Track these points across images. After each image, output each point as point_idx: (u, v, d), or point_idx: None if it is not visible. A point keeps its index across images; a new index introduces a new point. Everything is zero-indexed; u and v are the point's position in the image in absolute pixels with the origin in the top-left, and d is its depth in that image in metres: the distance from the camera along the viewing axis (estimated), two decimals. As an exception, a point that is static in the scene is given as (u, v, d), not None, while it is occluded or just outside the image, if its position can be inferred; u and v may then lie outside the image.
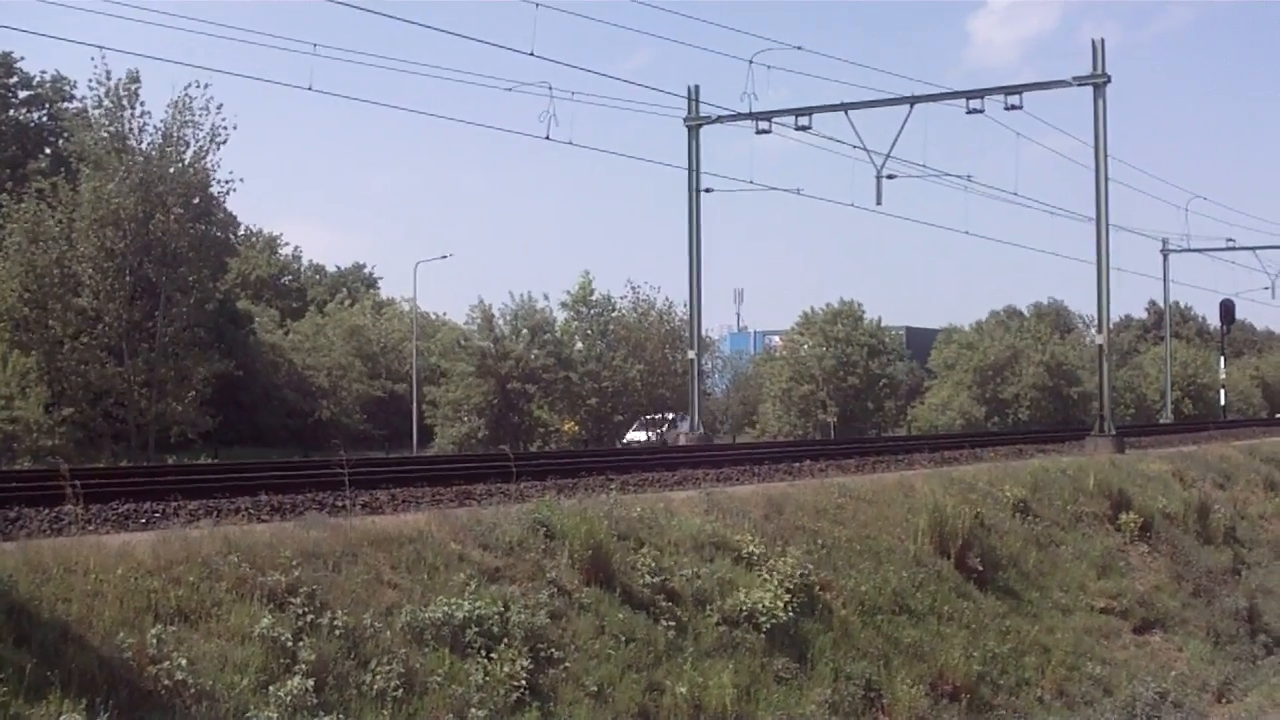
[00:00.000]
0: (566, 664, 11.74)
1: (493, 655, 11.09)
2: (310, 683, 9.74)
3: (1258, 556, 28.23)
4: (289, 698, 9.56)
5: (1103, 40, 35.52)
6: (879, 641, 15.43)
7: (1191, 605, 23.19)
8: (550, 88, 29.77)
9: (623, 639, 12.44)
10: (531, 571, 12.61)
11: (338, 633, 10.31)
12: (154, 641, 9.30)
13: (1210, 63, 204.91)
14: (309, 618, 10.28)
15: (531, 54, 29.97)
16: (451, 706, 10.47)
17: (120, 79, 47.10)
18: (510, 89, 32.12)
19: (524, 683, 11.06)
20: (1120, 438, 34.40)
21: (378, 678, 10.25)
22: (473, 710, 10.52)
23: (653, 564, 13.49)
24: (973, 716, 15.53)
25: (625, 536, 13.81)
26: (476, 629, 11.21)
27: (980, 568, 18.77)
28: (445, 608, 11.18)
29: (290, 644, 9.96)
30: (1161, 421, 64.28)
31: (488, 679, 10.86)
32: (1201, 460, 32.05)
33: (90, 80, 46.97)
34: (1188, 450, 32.85)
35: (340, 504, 13.18)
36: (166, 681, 9.10)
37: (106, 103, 47.76)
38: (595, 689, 11.69)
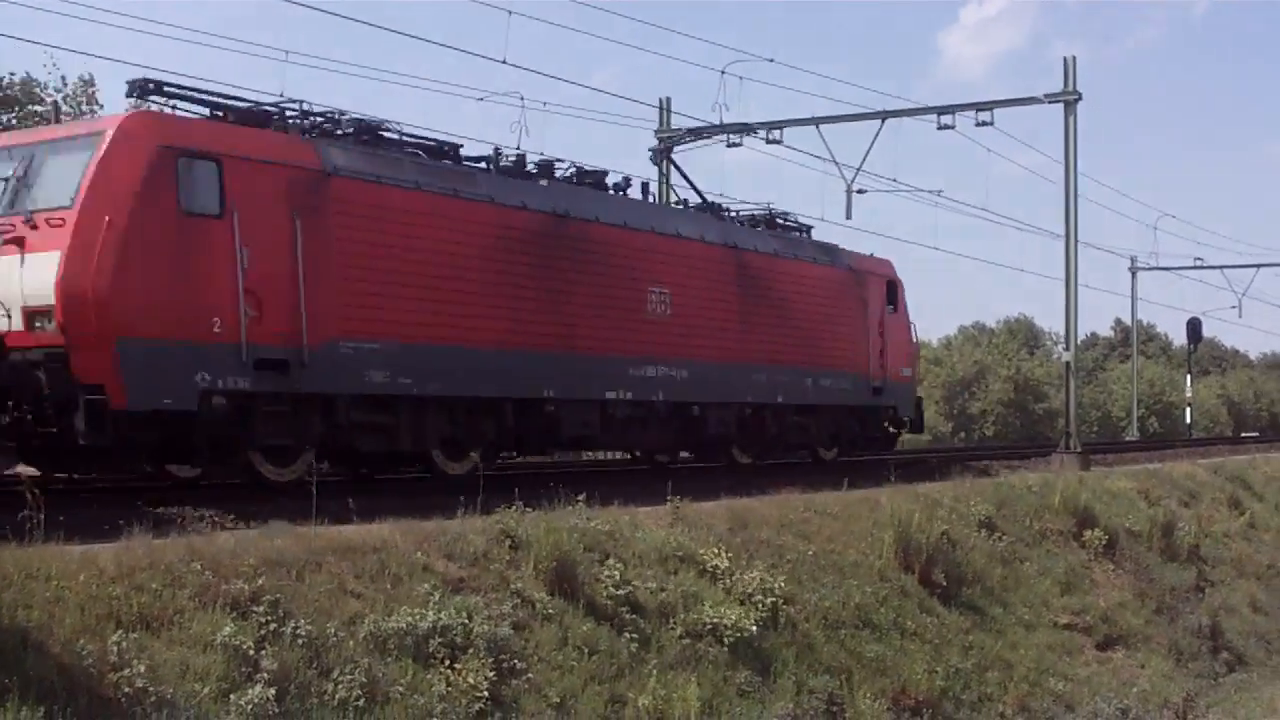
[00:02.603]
0: (529, 675, 11.77)
1: (456, 665, 11.12)
2: (272, 692, 9.73)
3: (1221, 574, 28.43)
4: (250, 706, 9.55)
5: (1074, 58, 35.73)
6: (842, 656, 15.53)
7: (1154, 622, 23.37)
8: (522, 97, 29.76)
9: (586, 650, 12.49)
10: (495, 582, 12.66)
11: (300, 641, 10.32)
12: (115, 649, 9.28)
13: (1179, 82, 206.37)
14: (271, 626, 10.28)
15: (504, 62, 30.06)
16: (414, 716, 10.49)
17: (75, 81, 46.83)
18: (482, 98, 32.27)
19: (486, 693, 11.08)
20: (1086, 455, 34.62)
21: (340, 687, 10.25)
22: (435, 720, 10.53)
23: (617, 576, 13.52)
24: (935, 732, 15.63)
25: (590, 548, 13.87)
26: (440, 639, 11.24)
27: (945, 583, 18.89)
28: (409, 617, 11.21)
29: (252, 652, 9.97)
30: (1127, 439, 64.64)
31: (450, 689, 10.90)
32: (1167, 478, 32.26)
33: (49, 82, 46.63)
34: (1153, 468, 33.06)
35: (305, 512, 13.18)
36: (127, 689, 9.10)
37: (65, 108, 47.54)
38: (558, 700, 11.73)
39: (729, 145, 39.72)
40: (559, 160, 23.74)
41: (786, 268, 28.32)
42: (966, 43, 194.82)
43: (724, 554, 15.31)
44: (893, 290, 32.66)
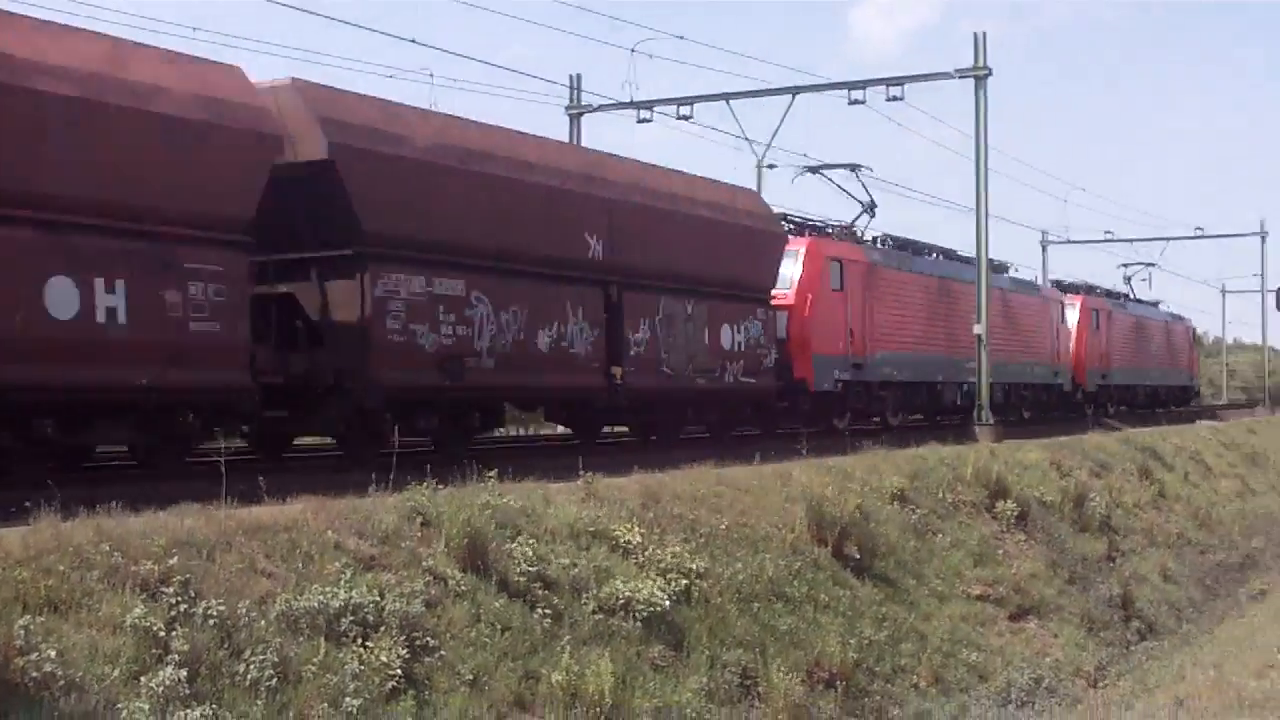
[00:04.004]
0: (442, 652, 11.91)
1: (368, 644, 11.24)
2: (183, 673, 9.80)
3: (1132, 544, 29.14)
4: (160, 689, 9.61)
5: (984, 34, 36.51)
6: (755, 629, 15.79)
7: (1067, 592, 23.93)
8: (431, 75, 29.95)
9: (499, 627, 12.67)
10: (407, 560, 12.81)
11: (211, 622, 10.40)
12: (22, 633, 9.28)
13: (1089, 57, 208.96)
14: (182, 607, 10.35)
15: (413, 41, 30.22)
16: (326, 696, 10.58)
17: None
18: (391, 76, 32.45)
19: (399, 671, 11.20)
20: (999, 427, 35.21)
21: (251, 667, 10.33)
22: (347, 699, 10.62)
23: (530, 552, 13.72)
24: (849, 703, 15.91)
25: (503, 525, 14.05)
26: (352, 617, 11.35)
27: (858, 556, 19.22)
28: (320, 596, 11.32)
29: (162, 634, 10.02)
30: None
31: (363, 667, 11.00)
32: (1078, 449, 32.95)
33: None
34: (1065, 439, 33.67)
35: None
36: (34, 674, 9.11)
37: None
38: (471, 677, 11.88)
39: (639, 121, 40.37)
40: (949, 249, 41.77)
41: (1016, 299, 45.63)
42: (878, 19, 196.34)
43: (636, 529, 15.55)
44: (1061, 310, 50.18)
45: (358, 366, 19.17)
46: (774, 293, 30.03)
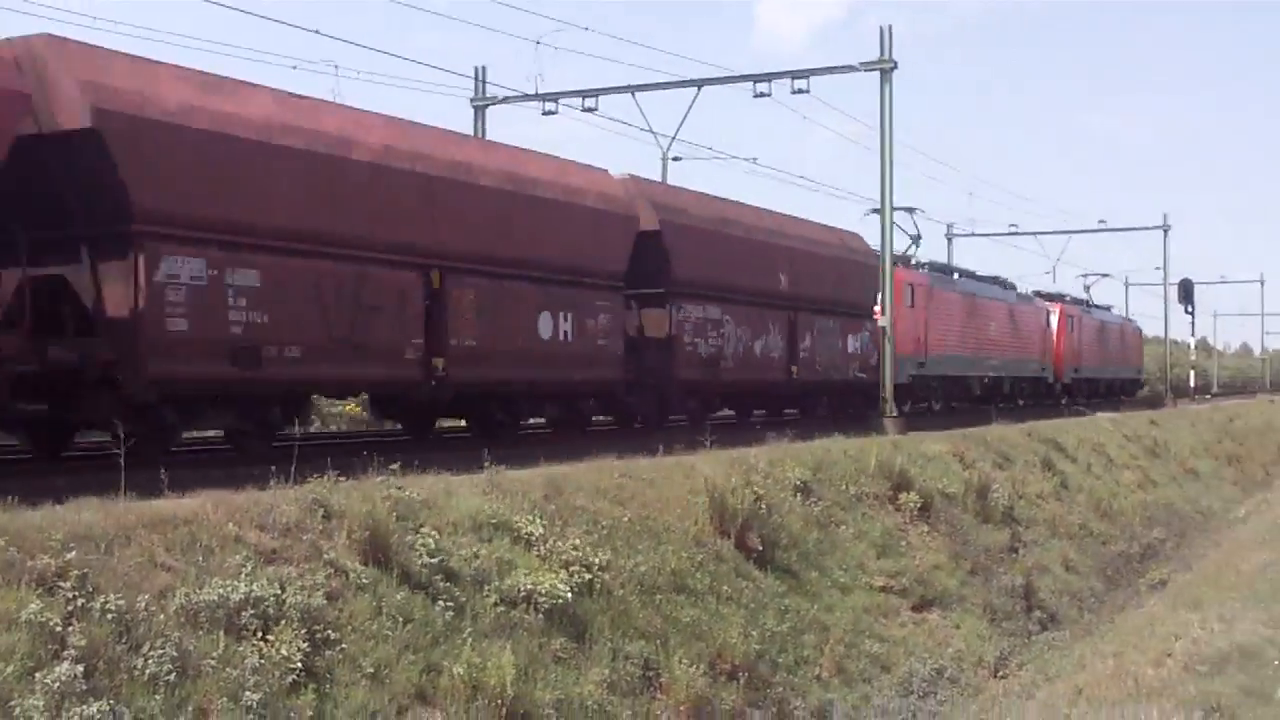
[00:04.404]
0: (343, 645, 12.01)
1: (268, 637, 11.32)
2: (80, 669, 9.82)
3: (1034, 535, 29.68)
4: (57, 685, 9.63)
5: (890, 27, 36.88)
6: (658, 621, 16.04)
7: (969, 583, 24.36)
8: (336, 67, 29.96)
9: (401, 620, 12.79)
10: (309, 553, 12.90)
11: (109, 617, 10.42)
12: (-86, 630, 9.34)
13: (995, 53, 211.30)
14: (79, 602, 10.36)
15: (317, 32, 30.12)
16: (226, 690, 10.65)
17: None
18: (295, 67, 32.36)
19: (300, 665, 11.29)
20: (903, 419, 35.67)
21: (150, 662, 10.37)
22: (247, 693, 10.70)
23: (432, 544, 13.83)
24: (751, 694, 16.18)
25: (404, 517, 14.15)
26: (252, 611, 11.44)
27: (760, 548, 19.50)
28: (220, 590, 11.39)
29: (59, 629, 10.05)
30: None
31: (263, 661, 11.08)
32: (981, 441, 33.42)
33: None
34: (968, 432, 34.16)
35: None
36: (-73, 671, 9.15)
37: None
38: (372, 670, 11.99)
39: (544, 113, 40.50)
40: (969, 270, 54.38)
41: (1018, 309, 55.90)
42: (784, 12, 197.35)
43: (539, 521, 15.71)
44: (1046, 316, 60.27)
45: (128, 357, 17.84)
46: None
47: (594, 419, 30.80)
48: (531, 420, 29.49)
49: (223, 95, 19.73)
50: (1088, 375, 67.63)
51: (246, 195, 19.43)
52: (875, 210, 40.20)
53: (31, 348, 17.33)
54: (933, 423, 37.29)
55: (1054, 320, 61.21)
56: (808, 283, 35.97)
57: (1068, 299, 67.09)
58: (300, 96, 21.93)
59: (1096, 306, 75.24)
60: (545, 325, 25.47)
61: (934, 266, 49.98)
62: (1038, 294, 63.47)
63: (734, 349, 31.61)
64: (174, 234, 18.20)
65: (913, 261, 46.73)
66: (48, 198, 17.71)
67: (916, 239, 48.17)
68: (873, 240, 40.88)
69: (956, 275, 51.90)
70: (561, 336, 25.81)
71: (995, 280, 55.93)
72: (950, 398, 48.09)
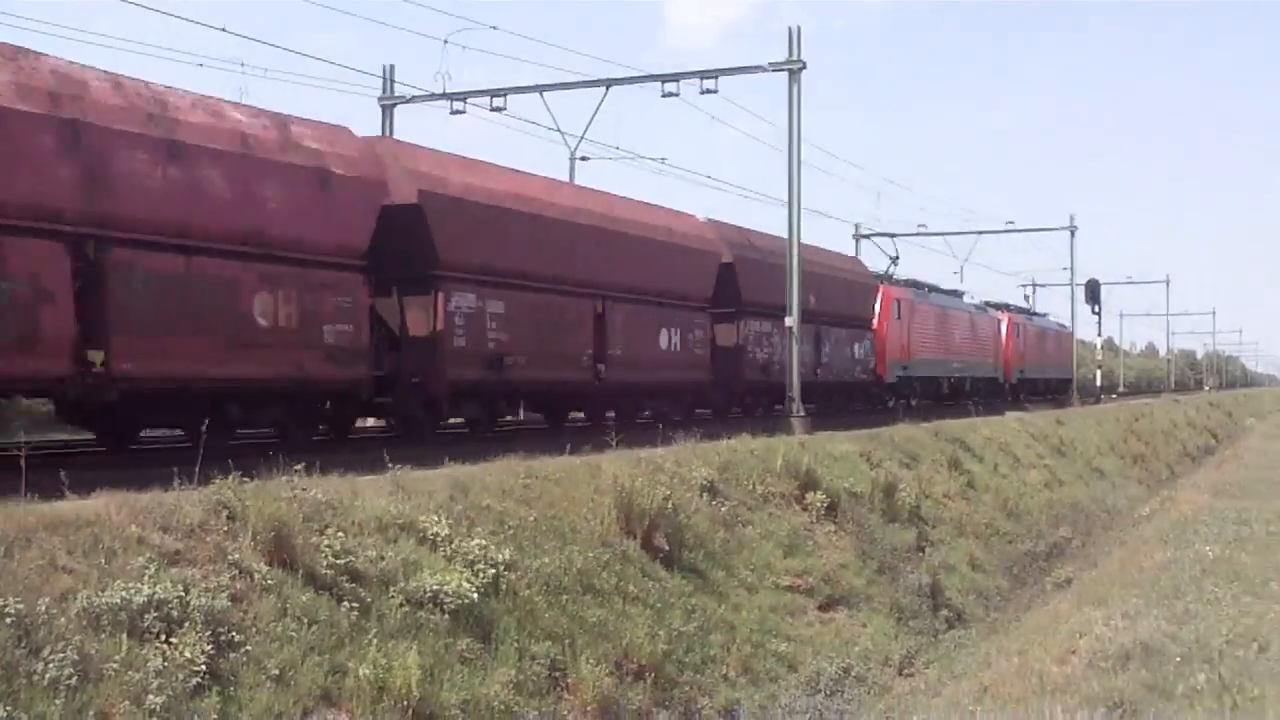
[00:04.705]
0: (248, 647, 12.04)
1: (172, 640, 11.33)
2: (-22, 673, 9.82)
3: (941, 534, 30.09)
4: (-47, 690, 9.60)
5: (798, 28, 37.16)
6: (564, 622, 16.18)
7: (876, 582, 24.68)
8: (243, 64, 30.00)
9: (306, 621, 12.85)
10: (213, 554, 12.92)
11: (8, 621, 10.42)
12: None
13: (903, 51, 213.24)
14: (-24, 606, 10.37)
15: (224, 30, 30.08)
16: (128, 694, 10.65)
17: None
18: (201, 65, 32.29)
19: (204, 667, 11.30)
20: (809, 419, 35.99)
21: (50, 666, 10.34)
22: (150, 697, 10.69)
23: (337, 545, 13.91)
24: (658, 694, 16.37)
25: (310, 518, 14.22)
26: (155, 613, 11.44)
27: (667, 547, 19.73)
28: (123, 592, 11.40)
29: (-44, 633, 10.04)
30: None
31: (167, 664, 11.08)
32: (888, 440, 33.80)
33: None
34: (875, 431, 34.53)
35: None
36: None
37: None
38: (277, 672, 12.03)
39: (452, 112, 40.51)
40: (935, 284, 63.69)
41: (978, 319, 66.21)
42: (694, 11, 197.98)
43: (445, 521, 15.82)
44: (998, 324, 70.43)
45: (431, 366, 26.06)
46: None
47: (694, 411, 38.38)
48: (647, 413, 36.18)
49: (478, 174, 27.96)
50: (1030, 375, 77.84)
51: (495, 247, 27.35)
52: (863, 235, 58.38)
53: (377, 359, 24.67)
54: (839, 423, 37.62)
55: (1004, 328, 71.70)
56: (829, 301, 45.04)
57: (1012, 308, 77.86)
58: (516, 171, 30.05)
59: (1036, 314, 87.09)
60: (663, 339, 34.60)
61: (910, 283, 59.51)
62: (988, 304, 73.35)
63: (780, 355, 39.73)
64: (458, 276, 26.34)
65: (893, 279, 57.04)
66: (384, 253, 24.32)
67: (895, 259, 60.16)
68: (874, 255, 52.90)
69: (929, 290, 61.39)
70: (671, 347, 35.15)
71: (955, 293, 66.92)
72: (925, 395, 57.96)
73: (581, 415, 35.22)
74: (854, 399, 49.82)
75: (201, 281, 20.72)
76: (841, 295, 47.01)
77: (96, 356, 18.98)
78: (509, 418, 34.23)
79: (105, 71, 20.15)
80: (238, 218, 21.48)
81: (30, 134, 18.22)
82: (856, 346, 48.97)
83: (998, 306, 74.41)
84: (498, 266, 27.68)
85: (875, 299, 51.81)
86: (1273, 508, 26.21)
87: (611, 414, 34.34)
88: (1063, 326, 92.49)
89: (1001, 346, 70.72)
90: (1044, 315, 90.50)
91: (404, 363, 25.88)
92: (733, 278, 38.49)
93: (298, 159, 22.86)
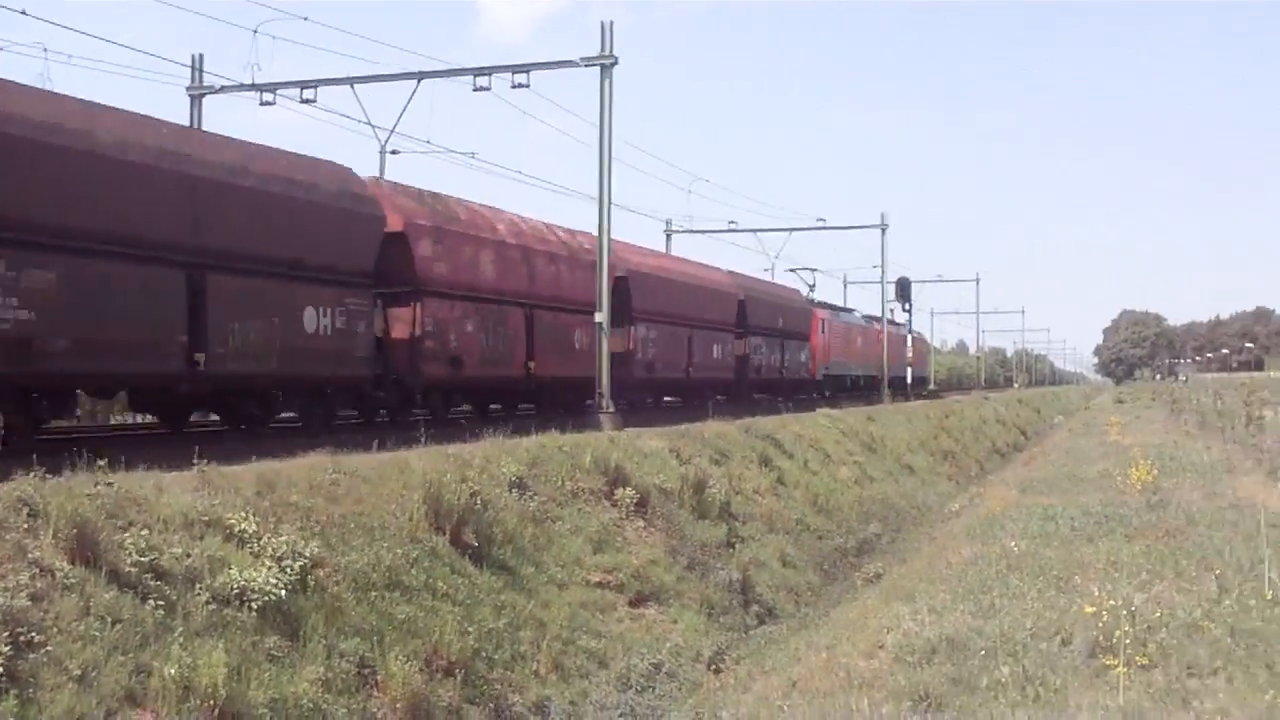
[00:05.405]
0: (49, 648, 12.04)
1: (-32, 642, 11.31)
2: None
3: (751, 530, 30.68)
4: None
5: (611, 23, 37.59)
6: (373, 618, 16.42)
7: (687, 578, 25.15)
8: (45, 50, 29.45)
9: (109, 620, 12.87)
10: (12, 552, 12.88)
11: None
12: None
13: (715, 49, 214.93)
14: None
15: (24, 13, 29.50)
16: (-80, 698, 10.63)
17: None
18: (1, 48, 31.69)
19: (1, 669, 11.31)
20: (619, 415, 36.40)
21: None
22: (-56, 701, 10.70)
23: (142, 543, 13.94)
24: (468, 691, 16.68)
25: (114, 515, 14.23)
26: (-49, 614, 11.43)
27: (476, 544, 20.04)
28: (-84, 592, 11.38)
29: None
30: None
31: (-38, 666, 11.07)
32: (698, 437, 34.29)
33: None
34: (685, 428, 34.96)
35: None
36: None
37: None
38: (79, 673, 12.04)
39: (262, 104, 40.29)
40: (840, 305, 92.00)
41: (866, 329, 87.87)
42: (507, 4, 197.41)
43: (252, 517, 15.92)
44: (877, 333, 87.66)
45: (410, 365, 32.62)
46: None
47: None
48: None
49: (448, 205, 35.13)
50: (896, 374, 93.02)
51: (466, 268, 34.54)
52: (790, 269, 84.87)
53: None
54: (650, 419, 38.15)
55: (882, 337, 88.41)
56: (788, 322, 67.67)
57: (891, 319, 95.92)
58: (479, 204, 37.53)
59: (894, 323, 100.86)
60: (579, 339, 40.93)
61: (827, 306, 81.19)
62: (866, 316, 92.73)
63: (769, 360, 64.65)
64: (435, 291, 32.99)
65: (814, 303, 76.88)
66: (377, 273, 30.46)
67: (813, 287, 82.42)
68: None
69: (839, 311, 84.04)
70: (799, 359, 69.78)
71: (849, 309, 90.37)
72: (839, 389, 78.00)
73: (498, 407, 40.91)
74: (801, 391, 70.01)
75: (558, 325, 40.13)
76: (793, 319, 68.89)
77: (532, 366, 38.45)
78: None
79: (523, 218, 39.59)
80: (573, 292, 40.19)
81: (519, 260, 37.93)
82: (802, 353, 70.79)
83: (871, 318, 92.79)
84: (462, 282, 34.25)
85: (810, 319, 72.71)
86: (1077, 503, 27.15)
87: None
88: (920, 335, 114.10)
89: (879, 350, 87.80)
90: (906, 324, 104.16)
91: (388, 363, 31.63)
92: (627, 292, 45.41)
93: (577, 255, 41.48)
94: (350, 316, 28.93)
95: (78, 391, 24.68)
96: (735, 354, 57.93)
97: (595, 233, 38.37)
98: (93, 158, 22.14)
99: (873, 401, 73.59)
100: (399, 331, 32.22)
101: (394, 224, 31.51)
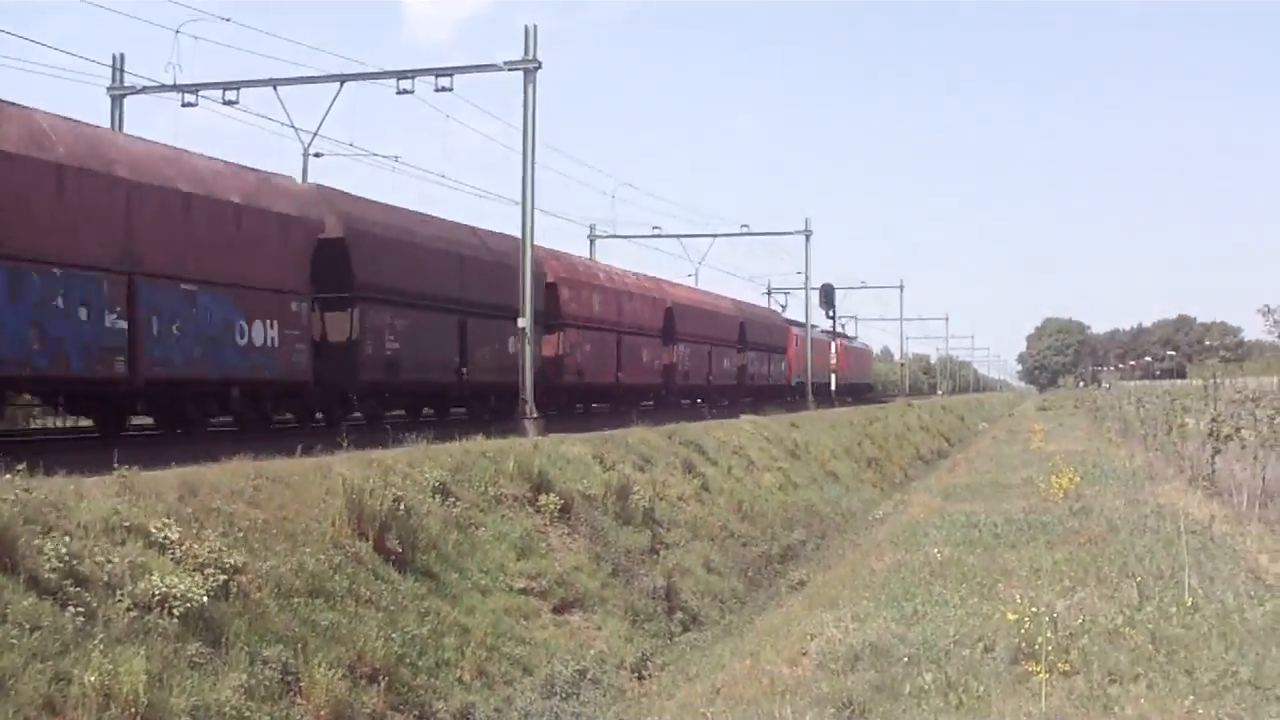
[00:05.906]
0: (-36, 656, 12.02)
1: (-123, 652, 11.31)
2: None
3: (676, 537, 30.84)
4: None
5: (535, 26, 37.90)
6: (296, 625, 16.48)
7: (611, 585, 25.29)
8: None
9: (28, 627, 12.85)
10: (-73, 558, 12.84)
11: None
12: None
13: (641, 53, 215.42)
14: None
15: (-62, 10, 29.39)
16: None
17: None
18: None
19: (-86, 679, 11.30)
20: (543, 420, 36.50)
21: None
22: None
23: (62, 549, 13.91)
24: (392, 698, 16.74)
25: (32, 520, 14.20)
26: None
27: (399, 550, 20.15)
28: None
29: None
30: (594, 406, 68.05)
31: None
32: (622, 443, 34.45)
33: None
34: (609, 434, 35.11)
35: None
36: None
37: None
38: (-4, 681, 12.03)
39: (184, 105, 40.18)
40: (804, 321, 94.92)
41: (827, 343, 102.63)
42: (431, 6, 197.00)
43: (174, 524, 15.92)
44: (830, 346, 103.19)
45: (348, 369, 33.42)
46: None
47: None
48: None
49: (389, 212, 36.33)
50: (847, 382, 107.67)
51: (405, 273, 35.46)
52: (766, 291, 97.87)
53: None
54: (573, 425, 38.25)
55: (835, 347, 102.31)
56: (772, 339, 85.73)
57: (842, 334, 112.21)
58: (425, 214, 39.56)
59: (851, 337, 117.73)
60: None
61: (795, 323, 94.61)
62: (824, 331, 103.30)
63: (733, 366, 75.40)
64: (372, 296, 33.91)
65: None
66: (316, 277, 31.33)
67: (785, 307, 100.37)
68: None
69: (811, 327, 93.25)
70: (775, 369, 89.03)
71: (812, 325, 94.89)
72: (814, 393, 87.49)
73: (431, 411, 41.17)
74: (779, 395, 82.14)
75: (488, 331, 40.96)
76: (775, 335, 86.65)
77: (465, 370, 39.48)
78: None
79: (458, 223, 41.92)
80: (502, 297, 39.48)
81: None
82: (781, 364, 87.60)
83: (832, 334, 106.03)
84: (398, 288, 35.23)
85: (786, 335, 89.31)
86: (1001, 510, 27.51)
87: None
88: (866, 345, 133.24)
89: (837, 362, 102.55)
90: (854, 335, 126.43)
91: (324, 366, 32.20)
92: (556, 296, 47.50)
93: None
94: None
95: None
96: (663, 362, 61.33)
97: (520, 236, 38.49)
98: (419, 249, 36.64)
99: (796, 408, 74.34)
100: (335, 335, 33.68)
101: (332, 230, 32.59)
